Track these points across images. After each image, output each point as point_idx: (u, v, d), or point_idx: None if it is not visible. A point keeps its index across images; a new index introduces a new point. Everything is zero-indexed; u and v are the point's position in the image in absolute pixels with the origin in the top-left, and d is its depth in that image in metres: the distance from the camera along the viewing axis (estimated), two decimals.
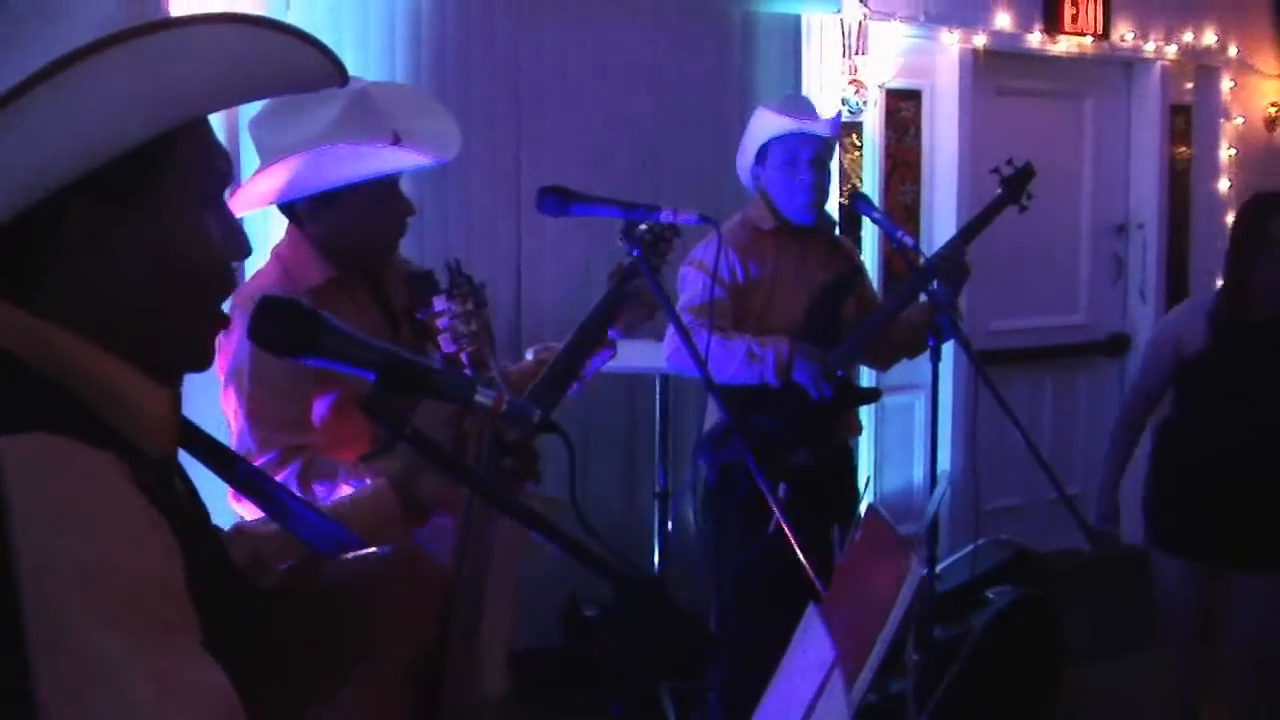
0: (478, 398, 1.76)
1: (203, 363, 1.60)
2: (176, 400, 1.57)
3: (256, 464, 2.84)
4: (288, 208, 3.22)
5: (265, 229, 4.39)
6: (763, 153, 4.68)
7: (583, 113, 6.10)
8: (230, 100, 1.52)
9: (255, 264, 3.20)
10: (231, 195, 3.03)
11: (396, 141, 3.10)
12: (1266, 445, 4.57)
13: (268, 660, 1.36)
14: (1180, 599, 4.89)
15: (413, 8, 5.60)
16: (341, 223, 3.15)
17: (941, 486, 3.93)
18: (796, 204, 4.65)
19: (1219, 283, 7.71)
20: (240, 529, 1.85)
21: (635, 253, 3.39)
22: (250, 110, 3.18)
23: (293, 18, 5.15)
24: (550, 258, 6.04)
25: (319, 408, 3.09)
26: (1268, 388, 4.55)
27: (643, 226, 3.44)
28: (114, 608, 1.26)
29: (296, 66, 1.53)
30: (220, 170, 1.57)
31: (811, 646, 1.90)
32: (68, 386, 1.41)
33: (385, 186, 3.18)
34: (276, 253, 3.24)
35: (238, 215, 3.00)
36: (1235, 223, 4.76)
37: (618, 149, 6.17)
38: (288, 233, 3.25)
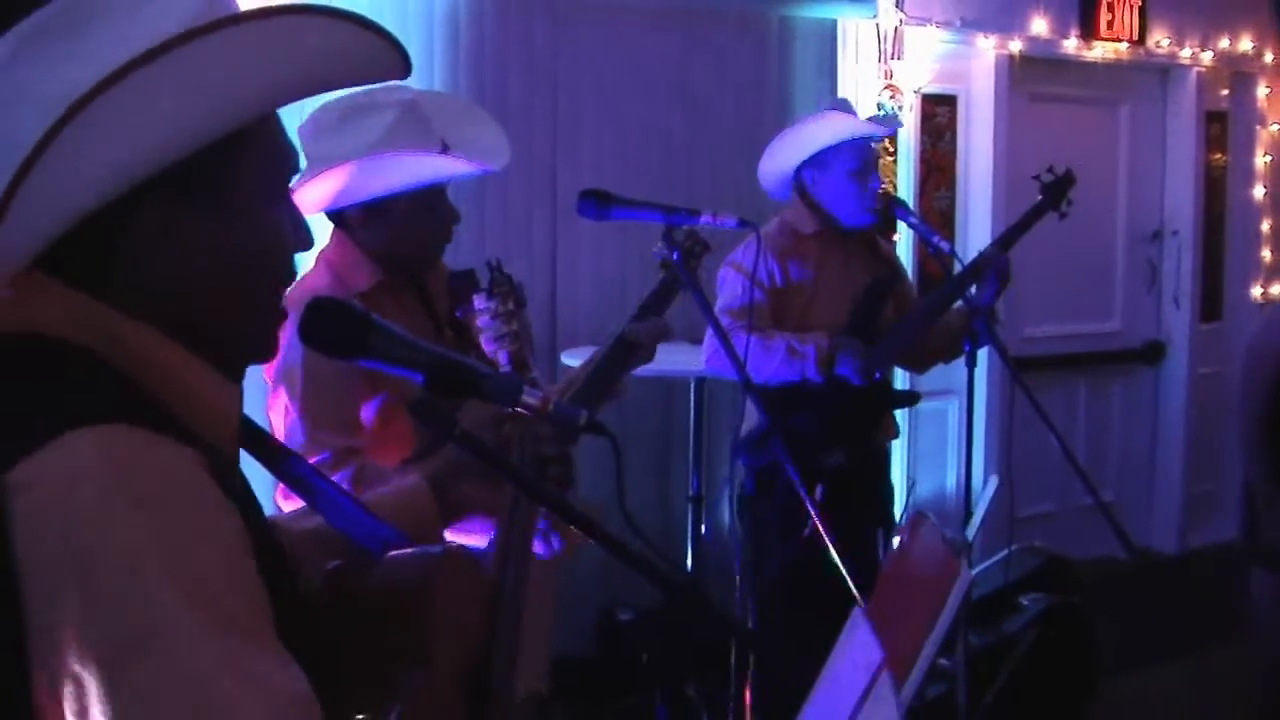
0: (525, 398, 1.77)
1: (268, 354, 1.63)
2: (240, 395, 1.58)
3: None
4: (336, 214, 3.23)
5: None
6: (822, 157, 4.66)
7: (619, 118, 6.12)
8: (304, 93, 1.54)
9: (301, 268, 3.22)
10: None
11: (445, 150, 3.12)
12: None
13: (314, 662, 1.37)
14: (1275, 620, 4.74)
15: (450, 11, 5.63)
16: (391, 229, 3.17)
17: (990, 489, 3.91)
18: (860, 208, 4.66)
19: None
20: (275, 522, 1.86)
21: (675, 256, 3.39)
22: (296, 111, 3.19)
23: None
24: (585, 262, 6.05)
25: (366, 411, 3.10)
26: None
27: (678, 234, 3.44)
28: (197, 598, 1.26)
29: (367, 58, 1.55)
30: (289, 164, 1.59)
31: (858, 649, 1.90)
32: (142, 381, 1.43)
33: (434, 194, 3.20)
34: (324, 257, 3.25)
35: None
36: None
37: (653, 154, 6.18)
38: (334, 238, 3.26)
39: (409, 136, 3.07)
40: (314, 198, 3.10)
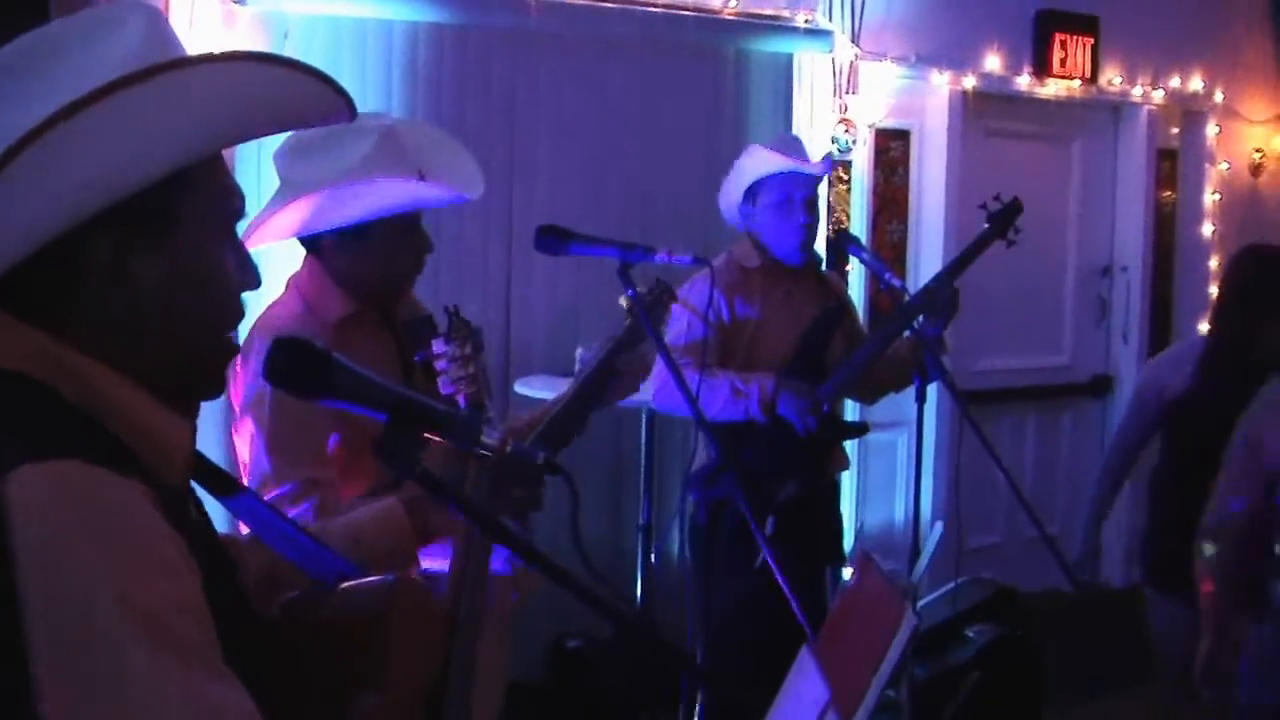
0: (484, 438, 1.81)
1: (215, 391, 1.65)
2: (193, 430, 1.61)
3: (272, 494, 2.86)
4: (311, 240, 3.22)
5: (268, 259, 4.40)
6: (753, 191, 4.72)
7: (576, 150, 6.14)
8: (248, 135, 1.58)
9: (267, 294, 3.23)
10: (255, 227, 3.08)
11: (422, 178, 3.13)
12: None
13: (268, 690, 1.40)
14: (1174, 641, 4.88)
15: (410, 42, 5.65)
16: (366, 256, 3.16)
17: (935, 534, 3.95)
18: (788, 245, 4.70)
19: (1203, 328, 7.77)
20: (258, 540, 1.89)
21: (630, 293, 3.41)
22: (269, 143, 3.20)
23: (290, 49, 5.20)
24: (540, 291, 6.07)
25: (330, 443, 3.11)
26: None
27: (642, 289, 3.45)
28: (147, 627, 1.30)
29: (311, 102, 1.59)
30: (234, 203, 1.63)
31: (806, 686, 1.93)
32: (95, 415, 1.46)
33: (410, 222, 3.21)
34: (295, 284, 3.25)
35: (261, 246, 3.05)
36: (1240, 274, 4.78)
37: (610, 186, 6.21)
38: (306, 265, 3.25)
39: (387, 163, 3.07)
40: (288, 222, 3.10)
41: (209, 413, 1.65)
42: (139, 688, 1.28)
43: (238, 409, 3.07)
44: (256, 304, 2.90)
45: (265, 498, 2.82)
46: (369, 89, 5.48)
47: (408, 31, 5.65)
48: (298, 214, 3.09)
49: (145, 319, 1.52)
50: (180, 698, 1.30)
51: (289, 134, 3.12)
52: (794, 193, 4.70)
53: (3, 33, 1.51)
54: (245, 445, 3.05)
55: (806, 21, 6.63)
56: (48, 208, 1.40)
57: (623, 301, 3.48)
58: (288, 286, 3.26)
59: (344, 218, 3.09)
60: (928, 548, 3.94)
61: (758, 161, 4.73)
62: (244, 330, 2.59)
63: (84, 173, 1.41)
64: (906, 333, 4.64)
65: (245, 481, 2.97)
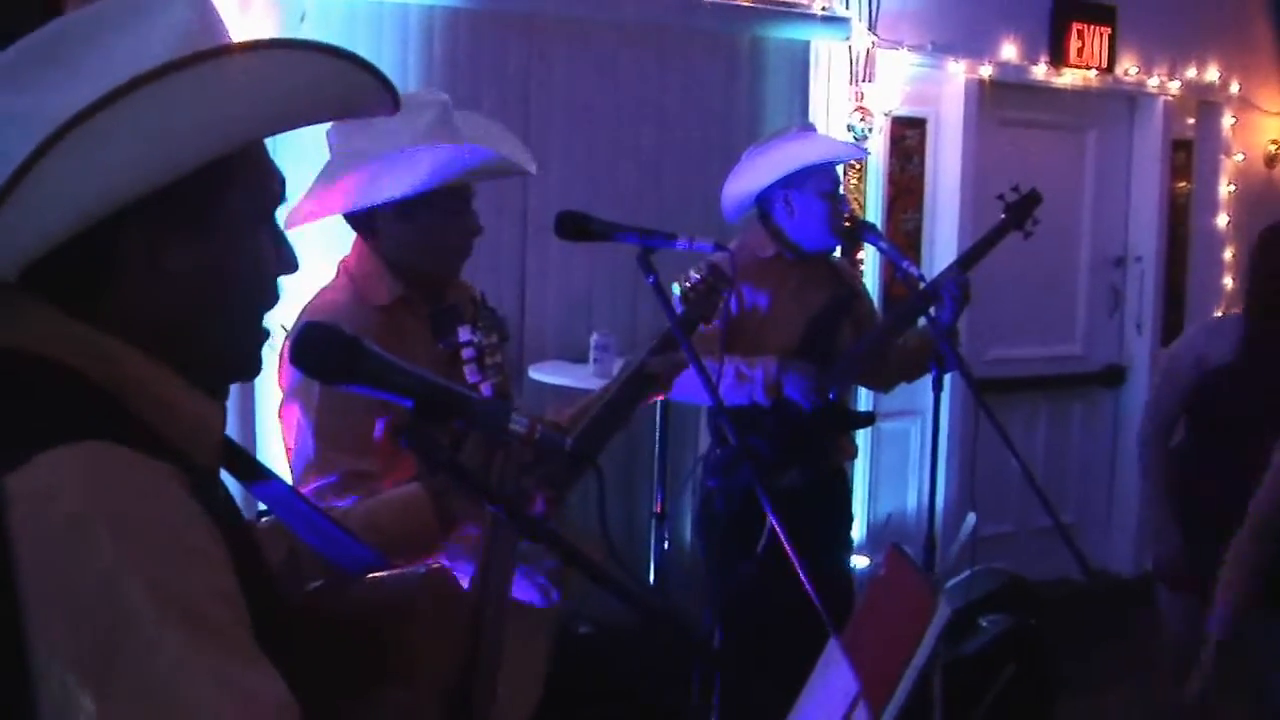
0: (512, 425, 1.80)
1: (251, 374, 1.65)
2: (224, 413, 1.61)
3: (317, 484, 2.86)
4: (364, 221, 3.23)
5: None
6: (797, 177, 4.64)
7: (590, 135, 6.14)
8: (291, 124, 1.56)
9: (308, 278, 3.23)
10: (307, 201, 3.08)
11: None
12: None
13: (292, 680, 1.39)
14: (1183, 636, 4.85)
15: (425, 26, 5.64)
16: (416, 235, 3.18)
17: (968, 526, 3.92)
18: (830, 230, 4.68)
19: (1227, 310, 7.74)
20: (280, 525, 1.88)
21: (650, 280, 3.40)
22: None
23: (306, 33, 5.19)
24: (554, 277, 6.07)
25: (375, 430, 3.09)
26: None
27: (692, 280, 3.42)
28: (178, 610, 1.29)
29: (354, 93, 1.58)
30: (274, 190, 1.62)
31: (835, 678, 1.92)
32: (125, 399, 1.45)
33: (461, 202, 3.23)
34: (345, 267, 3.26)
35: (312, 222, 3.05)
36: (1272, 250, 4.76)
37: (624, 172, 6.20)
38: (355, 248, 3.27)
39: (447, 132, 3.10)
40: (342, 195, 3.11)
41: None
42: (171, 673, 1.27)
43: (284, 393, 3.06)
44: (301, 285, 2.91)
45: (308, 487, 2.83)
46: (384, 71, 5.47)
47: (423, 15, 5.64)
48: (353, 186, 3.10)
49: (181, 305, 1.52)
50: (214, 683, 1.29)
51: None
52: (837, 180, 4.72)
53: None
54: (290, 431, 3.05)
55: (823, 9, 6.62)
56: (89, 192, 1.39)
57: (676, 288, 3.47)
58: (338, 272, 3.27)
59: (401, 187, 3.08)
60: (962, 537, 3.92)
61: (812, 147, 4.71)
62: (289, 314, 2.59)
63: (127, 158, 1.40)
64: (922, 321, 4.63)
65: (289, 468, 2.98)
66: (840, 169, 4.97)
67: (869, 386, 5.38)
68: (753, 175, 4.73)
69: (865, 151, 4.72)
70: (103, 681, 1.26)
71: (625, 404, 3.16)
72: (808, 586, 3.21)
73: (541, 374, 5.65)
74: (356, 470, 2.93)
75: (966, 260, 4.72)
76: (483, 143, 3.24)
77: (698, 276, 3.48)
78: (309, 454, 2.97)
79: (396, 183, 3.07)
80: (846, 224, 4.73)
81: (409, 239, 3.19)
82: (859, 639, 2.24)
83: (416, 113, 3.07)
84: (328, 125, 3.18)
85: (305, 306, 3.12)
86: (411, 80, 5.59)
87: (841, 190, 4.77)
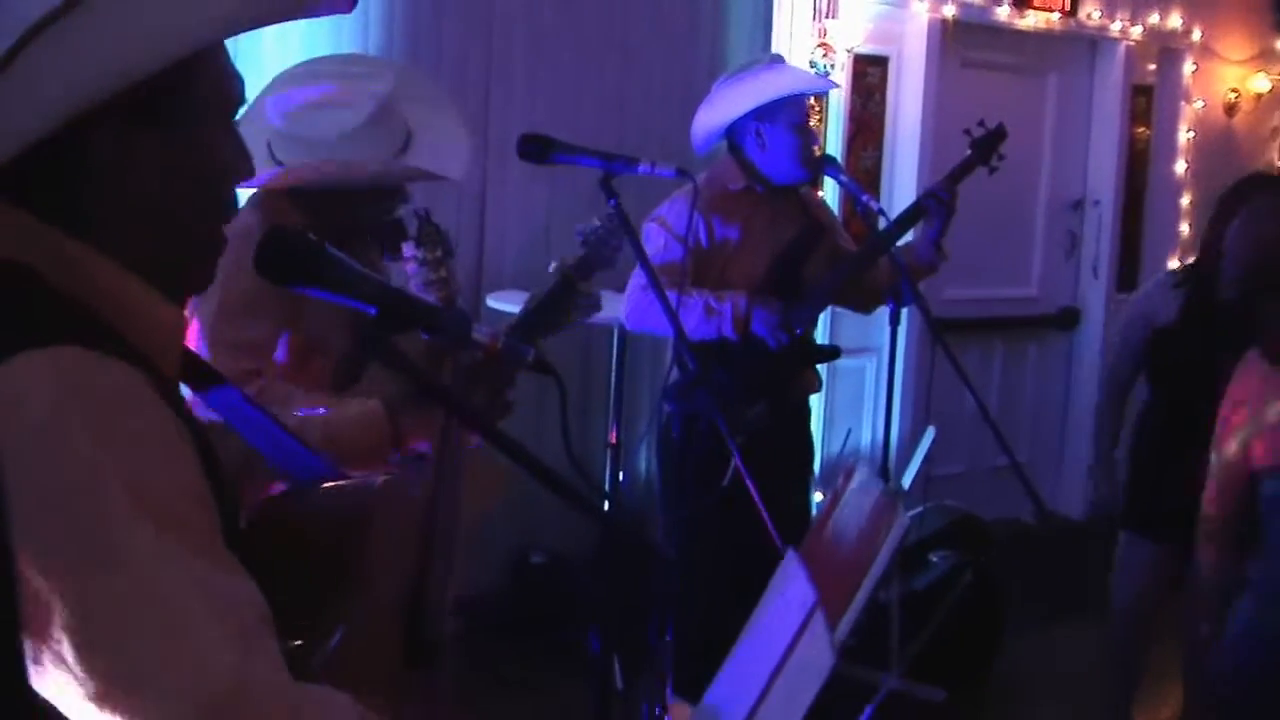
0: (474, 335, 1.80)
1: (206, 282, 1.65)
2: (184, 319, 1.61)
3: None
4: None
5: None
6: (770, 109, 4.61)
7: (552, 67, 6.11)
8: (252, 24, 1.57)
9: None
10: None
11: (406, 148, 3.16)
12: None
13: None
14: (1140, 581, 4.90)
15: None
16: (342, 203, 3.20)
17: (927, 439, 3.94)
18: (798, 162, 4.67)
19: (1173, 264, 7.80)
20: (227, 433, 1.88)
21: (612, 203, 3.39)
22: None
23: None
24: (513, 206, 6.05)
25: (280, 351, 3.10)
26: (1231, 365, 4.52)
27: (595, 224, 3.43)
28: (156, 513, 1.30)
29: None
30: (235, 93, 1.61)
31: (791, 590, 1.94)
32: (93, 304, 1.45)
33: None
34: (253, 201, 3.25)
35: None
36: (1220, 197, 4.77)
37: (587, 103, 6.18)
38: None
39: (373, 142, 3.10)
40: (271, 175, 3.12)
41: None
42: (148, 574, 1.28)
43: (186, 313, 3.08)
44: None
45: None
46: None
47: None
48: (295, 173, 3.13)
49: (148, 209, 1.51)
50: (190, 584, 1.30)
51: (289, 92, 3.17)
52: (804, 114, 4.71)
53: None
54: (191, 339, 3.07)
55: None
56: (60, 94, 1.39)
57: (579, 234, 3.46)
58: (246, 202, 3.26)
59: (323, 185, 3.13)
60: (920, 451, 3.94)
61: (785, 79, 4.70)
62: None
63: (98, 56, 1.39)
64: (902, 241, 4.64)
65: None
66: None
67: (850, 308, 5.31)
68: (724, 106, 4.70)
69: (835, 84, 4.72)
70: (79, 584, 1.26)
71: (552, 309, 3.17)
72: (767, 521, 3.23)
73: (500, 302, 5.64)
74: (249, 369, 2.96)
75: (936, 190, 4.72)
76: (420, 121, 3.26)
77: (598, 224, 3.47)
78: (204, 355, 2.96)
79: (317, 180, 3.12)
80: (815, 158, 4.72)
81: (332, 203, 3.20)
82: (816, 552, 2.26)
83: (348, 111, 3.10)
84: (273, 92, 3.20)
85: None
86: (373, 9, 5.54)
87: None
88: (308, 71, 3.24)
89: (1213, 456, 3.95)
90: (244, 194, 3.27)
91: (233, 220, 3.12)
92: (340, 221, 3.22)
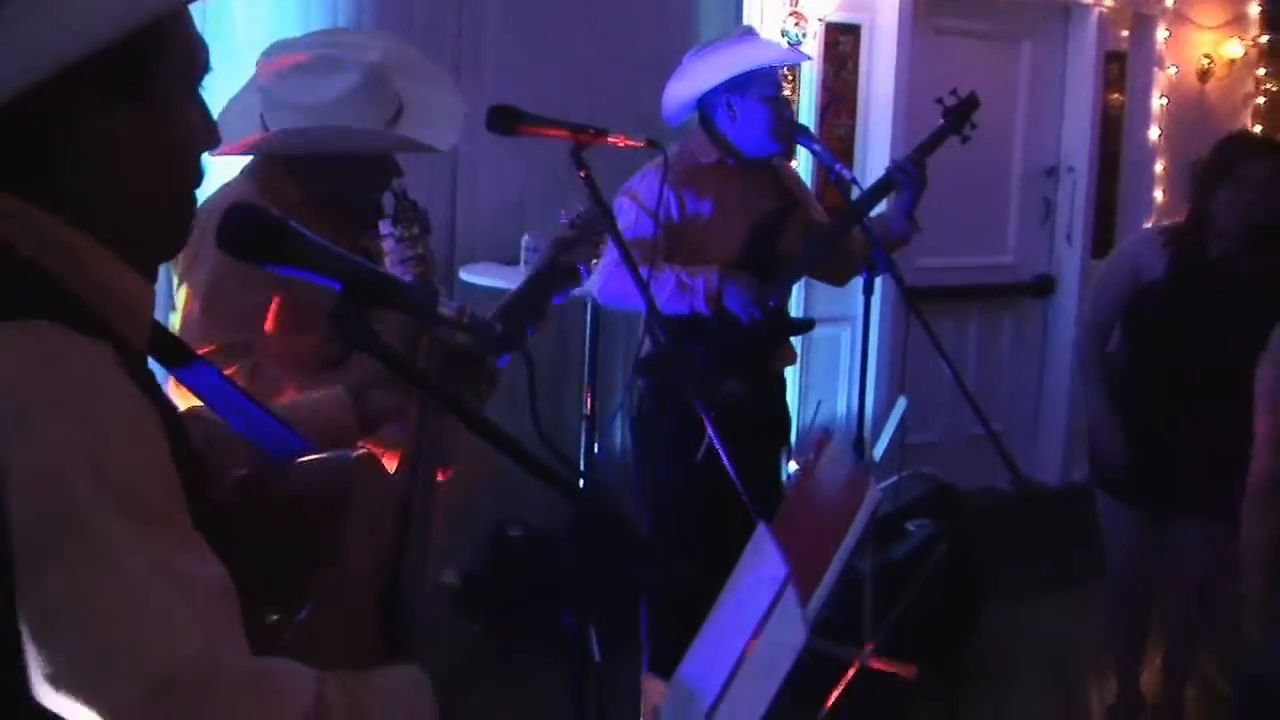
0: (441, 309, 1.78)
1: (175, 250, 1.65)
2: (154, 293, 1.59)
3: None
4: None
5: None
6: (741, 81, 4.60)
7: (524, 36, 6.09)
8: None
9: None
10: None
11: (398, 117, 3.16)
12: (1209, 389, 4.53)
13: (227, 562, 1.39)
14: (1122, 544, 4.91)
15: None
16: (332, 174, 3.19)
17: (899, 410, 3.93)
18: (770, 135, 4.64)
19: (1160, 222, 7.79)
20: (195, 413, 1.87)
21: (582, 175, 3.38)
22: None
23: None
24: (485, 180, 6.03)
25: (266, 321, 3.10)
26: (1215, 328, 4.53)
27: (580, 209, 3.41)
28: (119, 494, 1.29)
29: None
30: (201, 61, 1.60)
31: (763, 564, 1.93)
32: (63, 278, 1.44)
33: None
34: (250, 170, 3.25)
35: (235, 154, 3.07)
36: (1205, 159, 4.78)
37: (555, 76, 6.13)
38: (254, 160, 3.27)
39: (364, 109, 3.10)
40: (255, 141, 3.13)
41: None
42: (111, 558, 1.27)
43: (176, 279, 3.07)
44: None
45: None
46: None
47: None
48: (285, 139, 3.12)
49: (114, 176, 1.50)
50: (153, 567, 1.29)
51: (280, 59, 3.17)
52: (780, 84, 4.70)
53: None
54: (179, 314, 3.07)
55: None
56: (29, 56, 1.38)
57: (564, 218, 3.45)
58: (242, 171, 3.24)
59: (314, 153, 3.13)
60: (891, 422, 3.93)
61: (757, 50, 4.69)
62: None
63: (67, 18, 1.39)
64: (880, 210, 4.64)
65: None
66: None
67: (827, 281, 5.30)
68: (695, 78, 4.68)
69: (807, 56, 4.72)
70: (41, 566, 1.25)
71: (537, 294, 3.16)
72: (742, 493, 3.22)
73: (473, 275, 5.62)
74: (241, 342, 2.98)
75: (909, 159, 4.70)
76: (411, 93, 3.26)
77: (583, 209, 3.44)
78: (194, 330, 2.99)
79: (307, 148, 3.12)
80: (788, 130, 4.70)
81: (322, 174, 3.20)
82: (788, 525, 2.25)
83: (339, 75, 3.10)
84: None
85: (205, 201, 3.12)
86: None
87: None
88: (303, 42, 3.26)
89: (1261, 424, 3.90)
90: (240, 163, 3.27)
91: (228, 189, 3.14)
92: (334, 192, 3.22)
